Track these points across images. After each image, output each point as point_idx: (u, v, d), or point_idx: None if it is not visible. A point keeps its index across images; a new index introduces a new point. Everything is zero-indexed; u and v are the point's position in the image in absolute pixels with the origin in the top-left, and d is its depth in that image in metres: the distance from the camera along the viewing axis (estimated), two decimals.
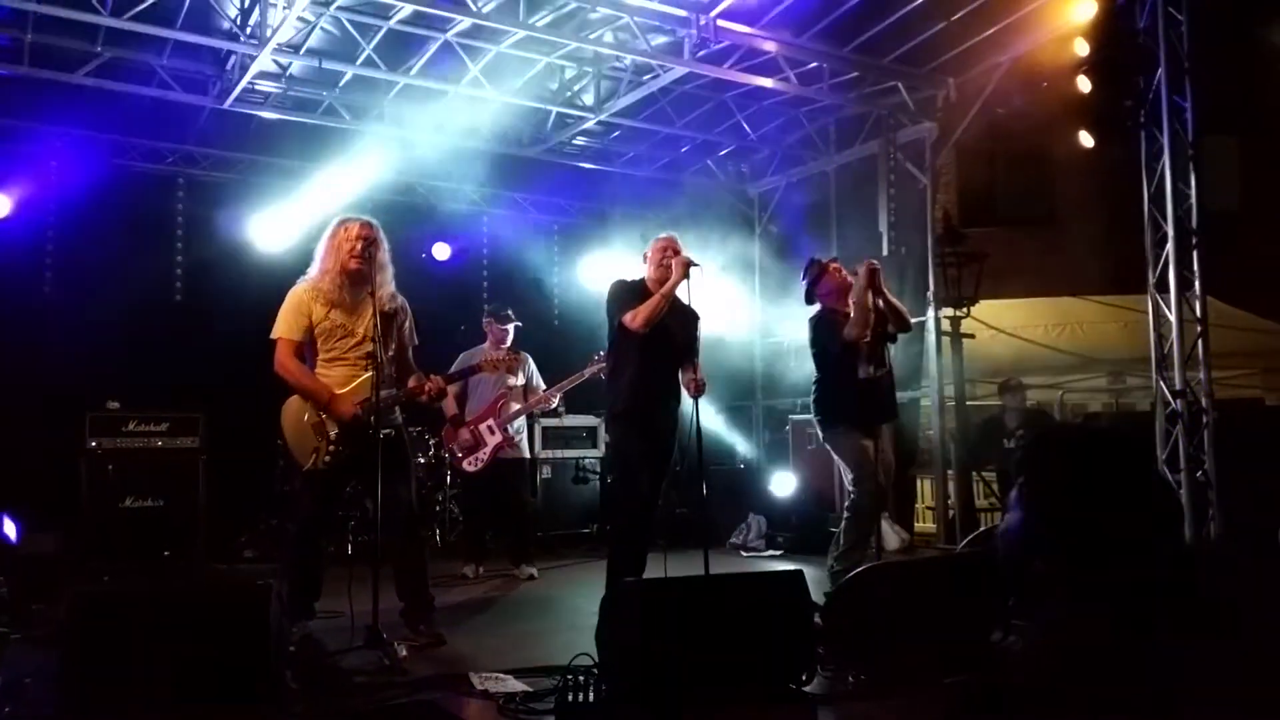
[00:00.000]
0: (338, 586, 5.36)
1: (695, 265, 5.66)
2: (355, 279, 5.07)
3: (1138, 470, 1.66)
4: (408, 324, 5.44)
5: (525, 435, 8.00)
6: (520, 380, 7.73)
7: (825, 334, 6.69)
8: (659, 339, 5.75)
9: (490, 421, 7.58)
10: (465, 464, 7.64)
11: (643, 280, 5.91)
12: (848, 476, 6.73)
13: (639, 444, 5.81)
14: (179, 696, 3.72)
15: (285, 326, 5.10)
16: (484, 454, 7.56)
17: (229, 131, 9.66)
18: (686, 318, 5.88)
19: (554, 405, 8.16)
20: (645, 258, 5.97)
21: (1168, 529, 1.58)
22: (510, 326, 7.75)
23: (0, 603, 5.51)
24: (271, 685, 3.92)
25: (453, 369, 7.38)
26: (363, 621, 4.69)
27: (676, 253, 5.76)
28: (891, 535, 8.41)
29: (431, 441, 8.96)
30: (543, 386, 7.86)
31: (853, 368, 6.61)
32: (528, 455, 8.06)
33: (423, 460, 8.47)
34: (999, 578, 4.46)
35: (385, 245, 5.20)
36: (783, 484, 9.59)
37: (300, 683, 4.27)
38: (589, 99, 9.60)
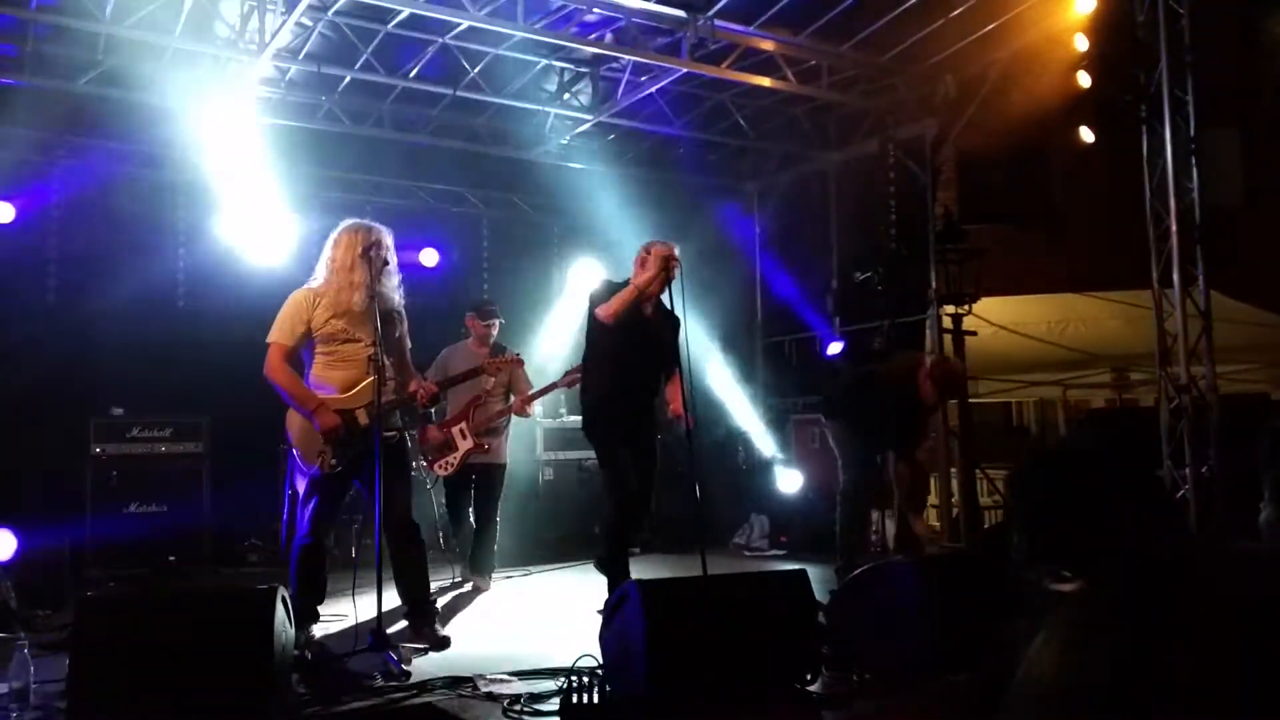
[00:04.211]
0: (342, 590, 5.40)
1: (675, 262, 5.67)
2: (362, 284, 5.06)
3: (1129, 479, 1.64)
4: (404, 327, 5.46)
5: (504, 439, 7.53)
6: (497, 383, 7.31)
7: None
8: (635, 337, 5.73)
9: (462, 425, 7.19)
10: (436, 467, 7.27)
11: (628, 281, 5.90)
12: (839, 464, 6.98)
13: (618, 439, 5.81)
14: (186, 701, 3.74)
15: (280, 331, 5.08)
16: (454, 458, 7.17)
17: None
18: (667, 322, 5.88)
19: (530, 415, 7.66)
20: (637, 260, 5.99)
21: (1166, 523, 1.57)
22: (494, 322, 7.43)
23: (6, 609, 5.55)
24: (278, 689, 3.93)
25: (434, 367, 7.25)
26: (367, 624, 4.69)
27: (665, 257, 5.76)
28: (920, 526, 8.32)
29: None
30: (530, 390, 7.41)
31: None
32: (504, 461, 7.52)
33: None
34: (1006, 577, 4.46)
35: (393, 251, 5.22)
36: (788, 480, 9.57)
37: (307, 686, 4.30)
38: (586, 100, 9.61)
